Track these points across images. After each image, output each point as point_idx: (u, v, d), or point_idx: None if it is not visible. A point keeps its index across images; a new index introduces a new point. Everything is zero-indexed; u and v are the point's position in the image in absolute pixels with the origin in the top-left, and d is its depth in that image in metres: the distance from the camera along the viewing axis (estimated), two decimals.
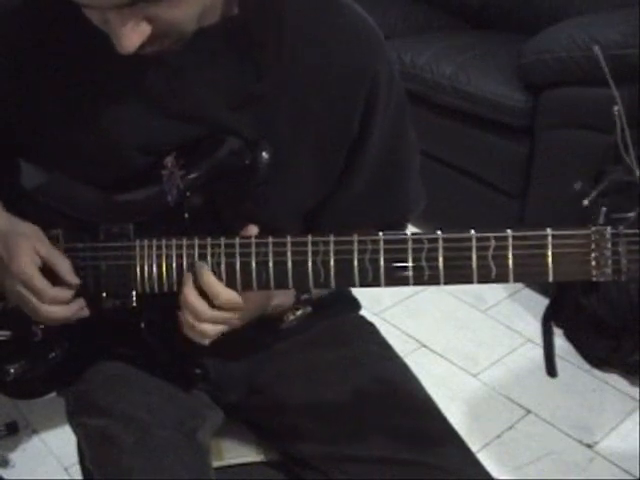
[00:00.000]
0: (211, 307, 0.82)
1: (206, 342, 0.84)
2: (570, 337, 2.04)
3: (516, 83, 2.12)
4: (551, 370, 1.96)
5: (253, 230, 0.82)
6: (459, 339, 2.07)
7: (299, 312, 0.91)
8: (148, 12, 0.71)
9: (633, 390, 1.88)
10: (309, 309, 0.91)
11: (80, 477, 1.02)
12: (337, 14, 0.88)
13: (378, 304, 2.14)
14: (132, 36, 0.72)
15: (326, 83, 0.87)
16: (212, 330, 0.83)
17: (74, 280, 0.86)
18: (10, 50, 0.86)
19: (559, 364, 1.96)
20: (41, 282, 0.85)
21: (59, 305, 0.86)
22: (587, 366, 1.97)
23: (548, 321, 2.08)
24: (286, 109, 0.86)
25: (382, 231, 0.76)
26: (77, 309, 0.88)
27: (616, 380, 1.92)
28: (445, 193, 2.36)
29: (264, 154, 0.83)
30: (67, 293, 0.86)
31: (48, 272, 0.85)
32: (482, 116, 2.21)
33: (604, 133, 1.76)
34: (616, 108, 1.35)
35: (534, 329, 2.08)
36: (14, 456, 1.68)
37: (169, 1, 0.71)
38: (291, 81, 0.86)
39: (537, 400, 1.85)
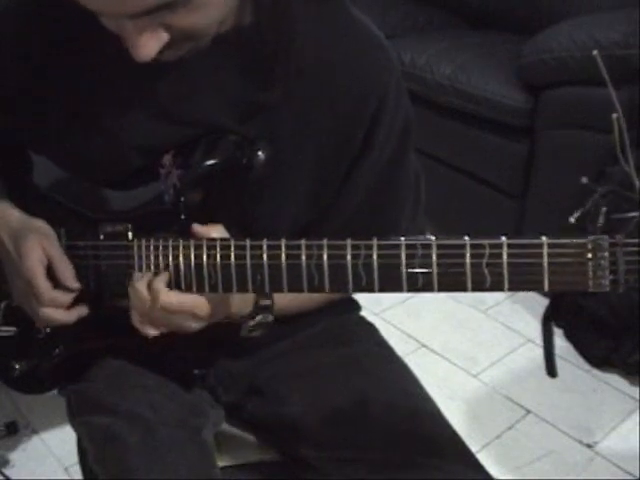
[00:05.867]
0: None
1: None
2: (570, 337, 2.04)
3: (516, 83, 2.12)
4: (551, 370, 1.96)
5: (214, 230, 0.81)
6: (459, 339, 2.07)
7: (258, 318, 0.88)
8: (165, 19, 0.70)
9: (633, 390, 1.88)
10: (270, 317, 0.88)
11: (80, 477, 1.02)
12: (349, 30, 0.87)
13: (378, 304, 2.14)
14: (149, 44, 0.71)
15: (333, 99, 0.86)
16: (153, 331, 0.82)
17: (74, 285, 0.86)
18: (19, 47, 0.87)
19: (559, 364, 1.96)
20: (43, 283, 0.84)
21: (57, 308, 0.86)
22: (587, 366, 1.97)
23: (548, 321, 2.08)
24: (290, 121, 0.86)
25: None
26: (77, 316, 0.88)
27: (616, 380, 1.92)
28: (445, 193, 2.36)
29: (260, 153, 0.83)
30: (66, 297, 0.86)
31: (53, 271, 0.85)
32: (482, 116, 2.21)
33: (604, 133, 1.76)
34: (615, 115, 1.33)
35: (534, 329, 2.09)
36: (14, 456, 1.67)
37: (186, 8, 0.69)
38: (298, 94, 0.85)
39: (537, 400, 1.85)
